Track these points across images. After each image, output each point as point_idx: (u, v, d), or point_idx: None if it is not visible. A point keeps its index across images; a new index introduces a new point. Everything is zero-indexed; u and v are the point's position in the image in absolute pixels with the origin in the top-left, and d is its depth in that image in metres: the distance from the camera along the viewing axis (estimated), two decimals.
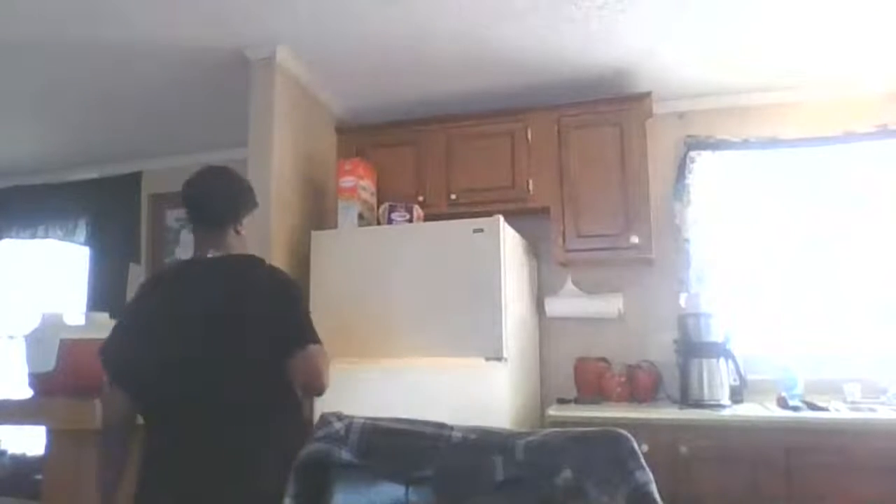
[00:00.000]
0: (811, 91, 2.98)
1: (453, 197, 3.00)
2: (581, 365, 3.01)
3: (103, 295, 4.00)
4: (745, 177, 3.08)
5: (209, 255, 1.63)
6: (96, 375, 1.75)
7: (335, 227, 2.77)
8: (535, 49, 2.69)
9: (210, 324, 1.51)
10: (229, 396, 1.48)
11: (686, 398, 2.66)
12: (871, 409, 2.42)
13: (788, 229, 3.01)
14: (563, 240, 2.89)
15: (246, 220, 1.70)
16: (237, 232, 1.67)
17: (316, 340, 1.58)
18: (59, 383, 1.82)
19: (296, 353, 1.53)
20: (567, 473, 1.25)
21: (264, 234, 2.58)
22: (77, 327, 1.97)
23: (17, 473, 3.11)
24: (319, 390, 1.59)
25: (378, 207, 2.90)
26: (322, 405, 2.43)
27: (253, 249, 2.54)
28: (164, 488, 1.47)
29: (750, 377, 2.70)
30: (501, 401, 2.42)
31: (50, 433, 2.07)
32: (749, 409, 2.53)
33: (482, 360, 2.34)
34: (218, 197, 1.67)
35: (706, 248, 3.00)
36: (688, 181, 3.04)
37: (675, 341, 2.79)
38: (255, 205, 1.75)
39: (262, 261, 1.68)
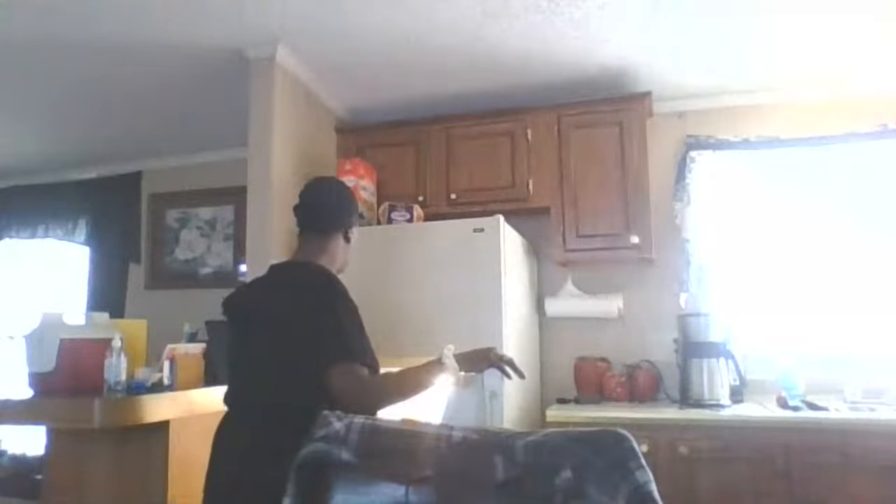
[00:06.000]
0: (811, 91, 2.97)
1: (453, 197, 3.00)
2: (581, 365, 3.01)
3: (103, 295, 4.00)
4: (745, 177, 3.07)
5: (273, 262, 1.78)
6: (96, 375, 1.76)
7: None
8: (536, 49, 2.69)
9: (257, 325, 1.60)
10: (266, 397, 1.52)
11: (686, 398, 2.66)
12: (871, 409, 2.42)
13: (788, 229, 3.01)
14: (563, 240, 2.89)
15: (352, 227, 1.79)
16: (346, 239, 1.77)
17: (344, 357, 1.49)
18: (59, 383, 1.82)
19: (328, 370, 1.47)
20: (567, 473, 1.25)
21: (265, 234, 2.58)
22: (77, 327, 1.97)
23: (17, 473, 3.11)
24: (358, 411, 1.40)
25: (378, 207, 2.90)
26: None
27: (253, 248, 2.58)
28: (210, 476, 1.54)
29: (750, 377, 2.70)
30: (501, 401, 2.41)
31: (50, 433, 2.07)
32: (749, 409, 2.53)
33: None
34: (311, 206, 1.80)
35: (706, 248, 3.00)
36: (688, 181, 3.04)
37: (675, 341, 2.80)
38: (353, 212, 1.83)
39: (308, 265, 1.68)
